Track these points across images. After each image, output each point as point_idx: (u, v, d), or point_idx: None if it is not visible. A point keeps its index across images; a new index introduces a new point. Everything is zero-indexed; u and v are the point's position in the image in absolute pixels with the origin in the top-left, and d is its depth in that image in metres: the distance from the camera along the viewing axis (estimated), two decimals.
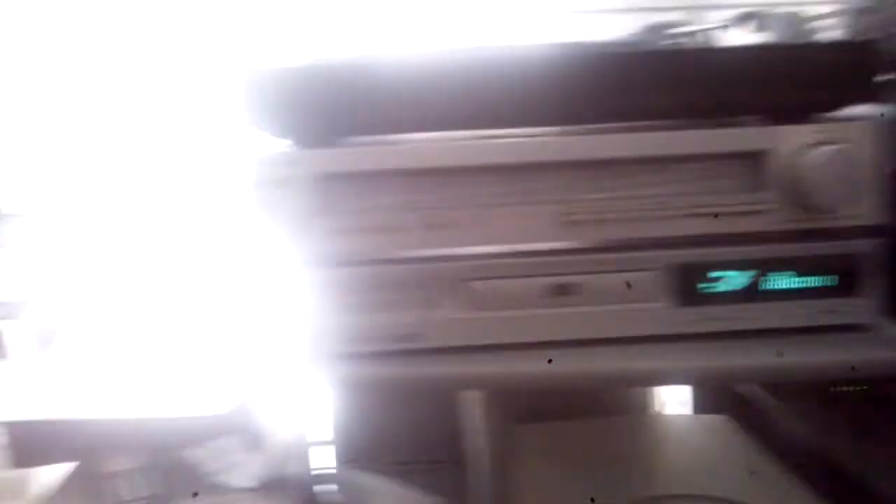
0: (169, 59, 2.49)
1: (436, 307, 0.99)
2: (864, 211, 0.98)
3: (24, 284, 1.99)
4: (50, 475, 1.25)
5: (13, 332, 2.00)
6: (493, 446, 1.17)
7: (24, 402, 1.21)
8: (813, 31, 1.22)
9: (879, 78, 0.99)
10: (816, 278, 1.00)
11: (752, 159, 0.98)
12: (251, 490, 1.10)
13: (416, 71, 1.00)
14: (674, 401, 1.58)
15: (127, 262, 2.42)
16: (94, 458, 1.13)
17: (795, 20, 1.18)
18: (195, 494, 1.07)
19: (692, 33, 1.07)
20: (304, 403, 1.20)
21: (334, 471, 1.28)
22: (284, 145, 1.02)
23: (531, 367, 0.98)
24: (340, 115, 1.00)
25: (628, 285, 0.97)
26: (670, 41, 1.05)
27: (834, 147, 0.96)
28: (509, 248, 0.99)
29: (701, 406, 1.63)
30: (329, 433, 1.29)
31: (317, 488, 1.24)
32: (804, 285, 1.00)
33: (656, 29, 1.08)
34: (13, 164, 2.56)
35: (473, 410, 1.15)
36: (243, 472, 1.13)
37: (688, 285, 1.00)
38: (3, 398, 1.23)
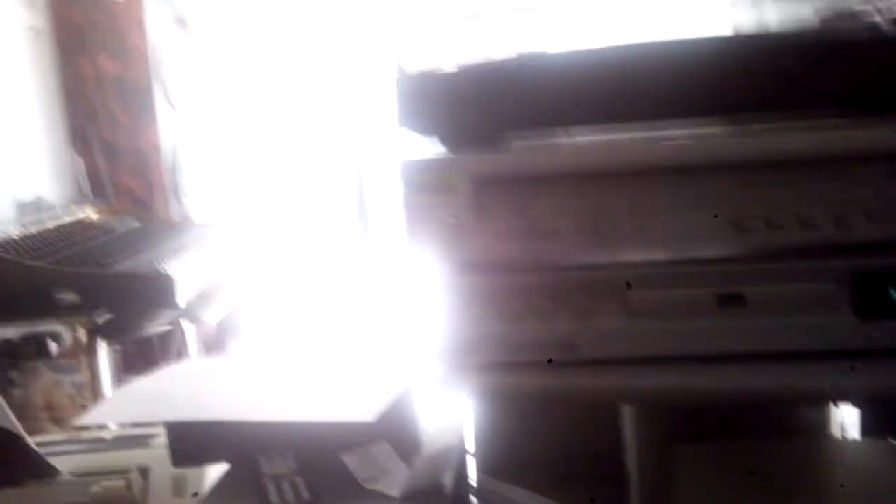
0: (324, 64, 2.47)
1: (593, 317, 0.88)
2: None
3: (207, 288, 2.00)
4: (207, 475, 1.20)
5: (193, 334, 2.01)
6: (652, 464, 1.05)
7: (187, 402, 1.17)
8: None
9: None
10: None
11: None
12: (403, 499, 1.02)
13: (574, 69, 0.91)
14: (846, 421, 1.41)
15: (293, 268, 2.42)
16: (249, 460, 1.07)
17: None
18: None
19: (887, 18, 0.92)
20: (457, 412, 1.11)
21: (478, 482, 1.19)
22: (438, 149, 0.93)
23: (694, 381, 0.86)
24: (495, 118, 0.92)
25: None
26: (858, 28, 0.91)
27: None
28: (674, 255, 0.87)
29: (869, 428, 1.44)
30: (472, 443, 1.20)
31: (472, 498, 1.14)
32: None
33: (842, 15, 0.93)
34: (201, 178, 2.61)
35: (631, 425, 1.04)
36: (395, 479, 1.05)
37: (878, 296, 0.84)
38: (168, 398, 1.19)
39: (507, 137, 0.93)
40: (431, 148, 0.96)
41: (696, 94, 0.86)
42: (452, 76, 0.92)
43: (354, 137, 1.99)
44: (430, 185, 0.89)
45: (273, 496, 1.04)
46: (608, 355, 0.88)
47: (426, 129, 0.94)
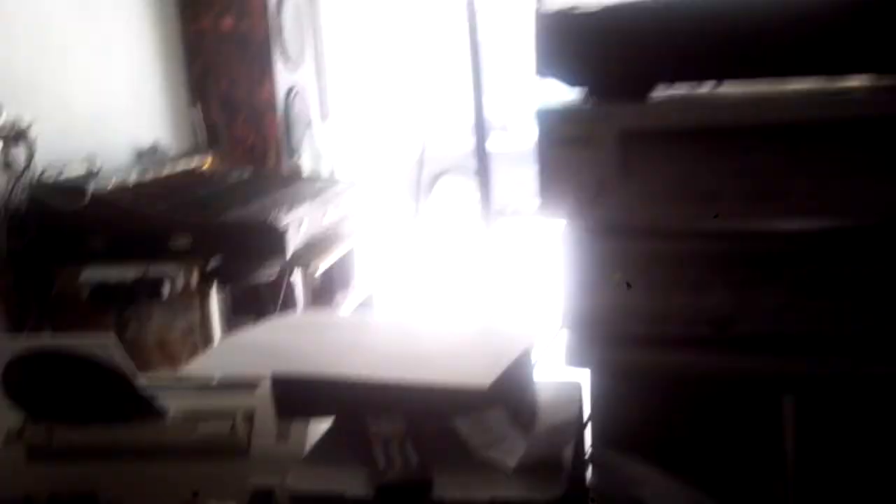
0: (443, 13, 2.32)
1: (754, 290, 0.72)
2: None
3: (315, 239, 1.90)
4: (312, 425, 1.10)
5: (300, 283, 1.91)
6: (814, 458, 0.88)
7: (294, 355, 1.06)
8: None
9: None
10: None
11: None
12: (518, 469, 0.88)
13: (740, 8, 0.73)
14: None
15: (408, 224, 2.30)
16: (356, 419, 0.95)
17: None
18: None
19: None
20: (579, 382, 0.97)
21: (595, 453, 1.04)
22: (581, 98, 0.78)
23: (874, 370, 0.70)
24: (646, 63, 0.76)
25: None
26: None
27: None
28: (856, 223, 0.70)
29: None
30: (590, 413, 1.05)
31: (588, 472, 1.01)
32: None
33: None
34: (314, 133, 2.51)
35: (792, 413, 0.87)
36: (509, 448, 0.92)
37: None
38: (275, 350, 1.08)
39: (659, 85, 0.77)
40: (572, 96, 0.81)
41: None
42: (598, 15, 0.76)
43: (478, 87, 1.83)
44: (569, 137, 0.75)
45: (380, 459, 0.92)
46: (770, 332, 0.72)
47: (567, 75, 0.79)
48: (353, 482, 0.91)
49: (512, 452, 0.92)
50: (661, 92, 0.78)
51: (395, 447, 0.95)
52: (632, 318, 0.76)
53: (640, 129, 0.73)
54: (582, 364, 0.80)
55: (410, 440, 0.95)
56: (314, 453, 1.01)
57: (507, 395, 0.98)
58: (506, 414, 0.98)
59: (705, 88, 0.79)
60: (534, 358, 1.02)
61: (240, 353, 1.14)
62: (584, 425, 1.01)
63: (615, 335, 0.77)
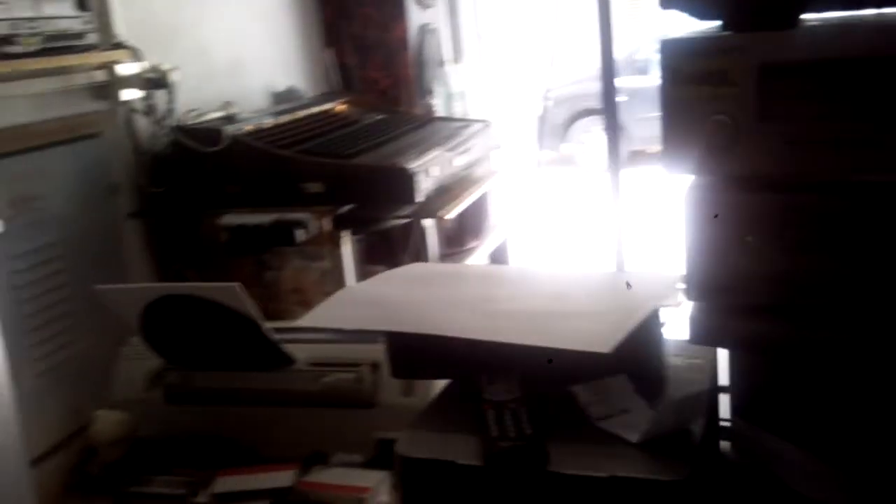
0: None
1: None
2: None
3: (447, 184, 1.83)
4: (430, 387, 1.05)
5: (432, 229, 1.86)
6: None
7: (410, 311, 1.00)
8: None
9: None
10: None
11: None
12: (642, 444, 0.80)
13: None
14: None
15: (551, 168, 2.20)
16: (471, 382, 0.89)
17: None
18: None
19: None
20: (710, 350, 0.86)
21: (732, 424, 0.94)
22: (711, 29, 0.67)
23: None
24: None
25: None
26: None
27: None
28: None
29: None
30: (726, 380, 0.94)
31: (721, 445, 0.91)
32: None
33: None
34: (447, 74, 2.44)
35: None
36: (633, 420, 0.84)
37: None
38: (392, 305, 1.03)
39: (799, 13, 0.64)
40: (701, 27, 0.69)
41: None
42: None
43: (606, 23, 1.68)
44: (700, 73, 0.64)
45: (492, 426, 0.85)
46: None
47: (696, 5, 0.68)
48: (464, 449, 0.85)
49: (636, 425, 0.83)
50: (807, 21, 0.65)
51: (509, 414, 0.88)
52: (770, 286, 0.65)
53: (786, 62, 0.61)
54: (710, 342, 0.70)
55: (525, 407, 0.88)
56: (425, 417, 0.96)
57: (632, 362, 0.89)
58: (630, 382, 0.88)
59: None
60: (662, 320, 0.92)
61: (356, 305, 1.10)
62: (716, 392, 0.90)
63: (748, 306, 0.66)
